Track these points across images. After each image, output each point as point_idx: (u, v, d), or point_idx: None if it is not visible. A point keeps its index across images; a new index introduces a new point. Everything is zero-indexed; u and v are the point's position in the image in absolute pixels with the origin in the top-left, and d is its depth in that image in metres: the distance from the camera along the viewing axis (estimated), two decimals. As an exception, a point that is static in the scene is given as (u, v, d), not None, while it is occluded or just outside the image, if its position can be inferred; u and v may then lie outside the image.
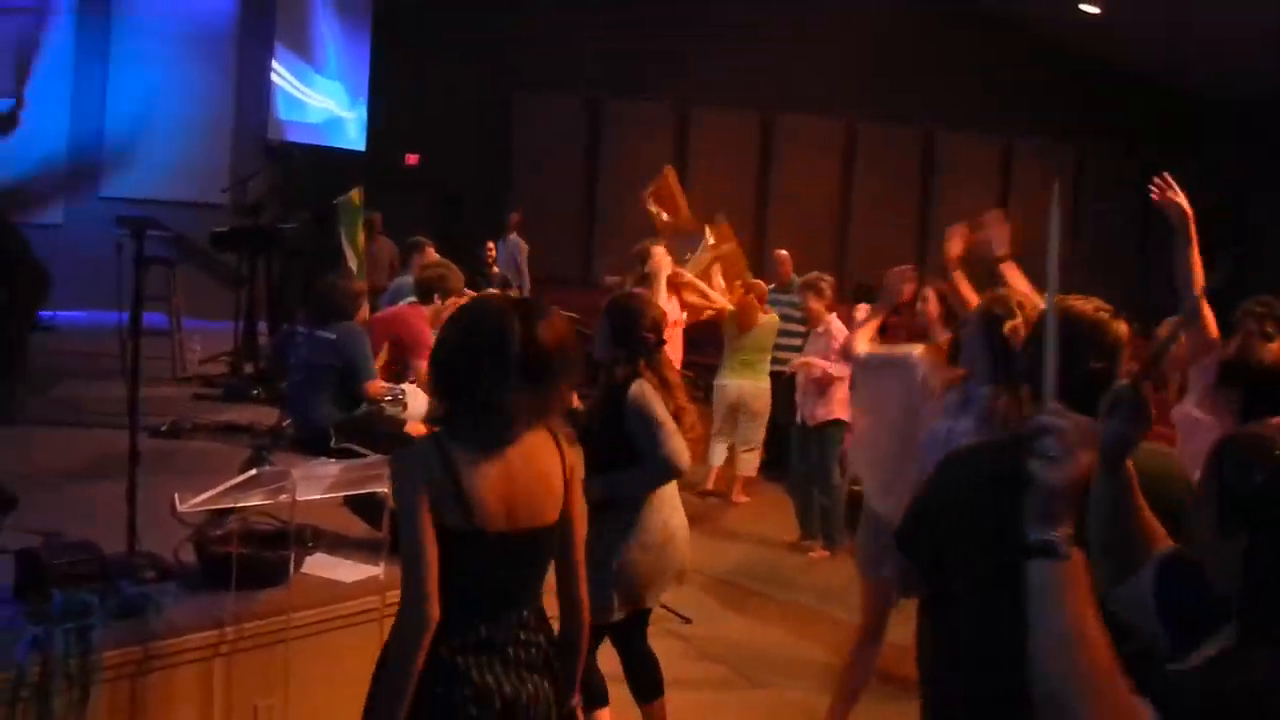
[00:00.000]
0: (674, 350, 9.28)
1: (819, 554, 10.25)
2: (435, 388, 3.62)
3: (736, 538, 10.83)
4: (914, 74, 23.25)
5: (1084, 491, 2.18)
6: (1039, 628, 2.09)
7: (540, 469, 3.55)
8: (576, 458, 3.72)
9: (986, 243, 6.11)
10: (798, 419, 10.54)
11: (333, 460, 5.04)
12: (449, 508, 3.37)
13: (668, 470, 5.43)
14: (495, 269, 16.00)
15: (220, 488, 4.50)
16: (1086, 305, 3.38)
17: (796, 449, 10.67)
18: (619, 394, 5.49)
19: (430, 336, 8.91)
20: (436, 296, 8.96)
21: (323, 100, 18.36)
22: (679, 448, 5.43)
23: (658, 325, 5.74)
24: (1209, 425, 5.07)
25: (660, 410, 5.45)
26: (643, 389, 5.47)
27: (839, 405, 9.97)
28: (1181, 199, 5.25)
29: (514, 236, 17.40)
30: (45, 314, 13.94)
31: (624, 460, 5.44)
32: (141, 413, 8.21)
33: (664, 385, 5.65)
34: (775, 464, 12.14)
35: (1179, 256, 5.20)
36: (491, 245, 16.57)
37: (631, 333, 5.63)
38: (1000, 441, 3.46)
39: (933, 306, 6.85)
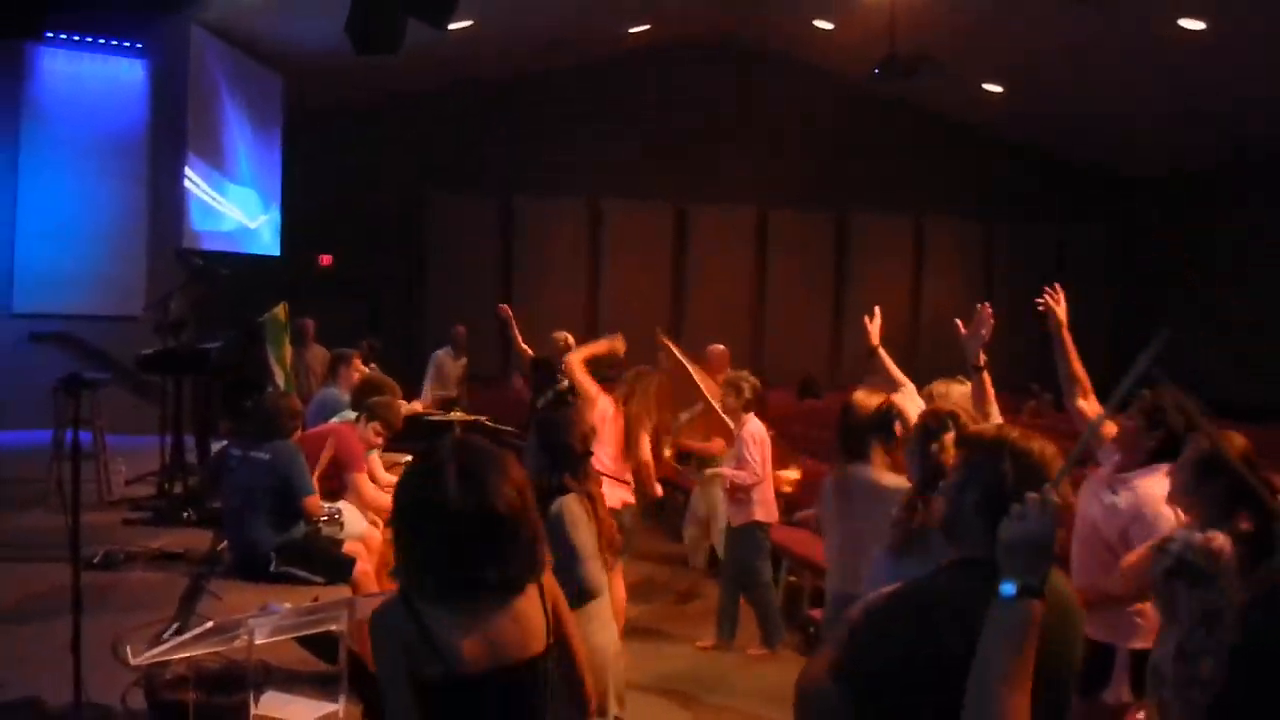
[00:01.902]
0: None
1: (757, 651, 10.13)
2: (397, 555, 3.51)
3: (676, 640, 10.65)
4: (824, 157, 23.56)
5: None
6: (993, 667, 2.65)
7: (518, 605, 3.45)
8: (551, 581, 3.61)
9: (973, 343, 6.08)
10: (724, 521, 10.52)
11: (286, 606, 4.91)
12: (428, 662, 3.26)
13: (581, 595, 5.37)
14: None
15: (175, 640, 4.36)
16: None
17: (724, 550, 10.61)
18: (543, 508, 5.42)
19: (362, 452, 8.83)
20: (363, 417, 8.90)
21: (236, 208, 18.24)
22: (593, 571, 5.39)
23: (585, 437, 5.73)
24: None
25: (580, 532, 5.42)
26: (564, 507, 5.46)
27: (759, 507, 9.90)
28: (1061, 311, 5.76)
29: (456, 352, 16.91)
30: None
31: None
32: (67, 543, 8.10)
33: (590, 499, 5.66)
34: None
35: (1059, 363, 5.78)
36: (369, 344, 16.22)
37: (558, 444, 5.63)
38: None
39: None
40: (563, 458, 5.65)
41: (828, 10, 20.37)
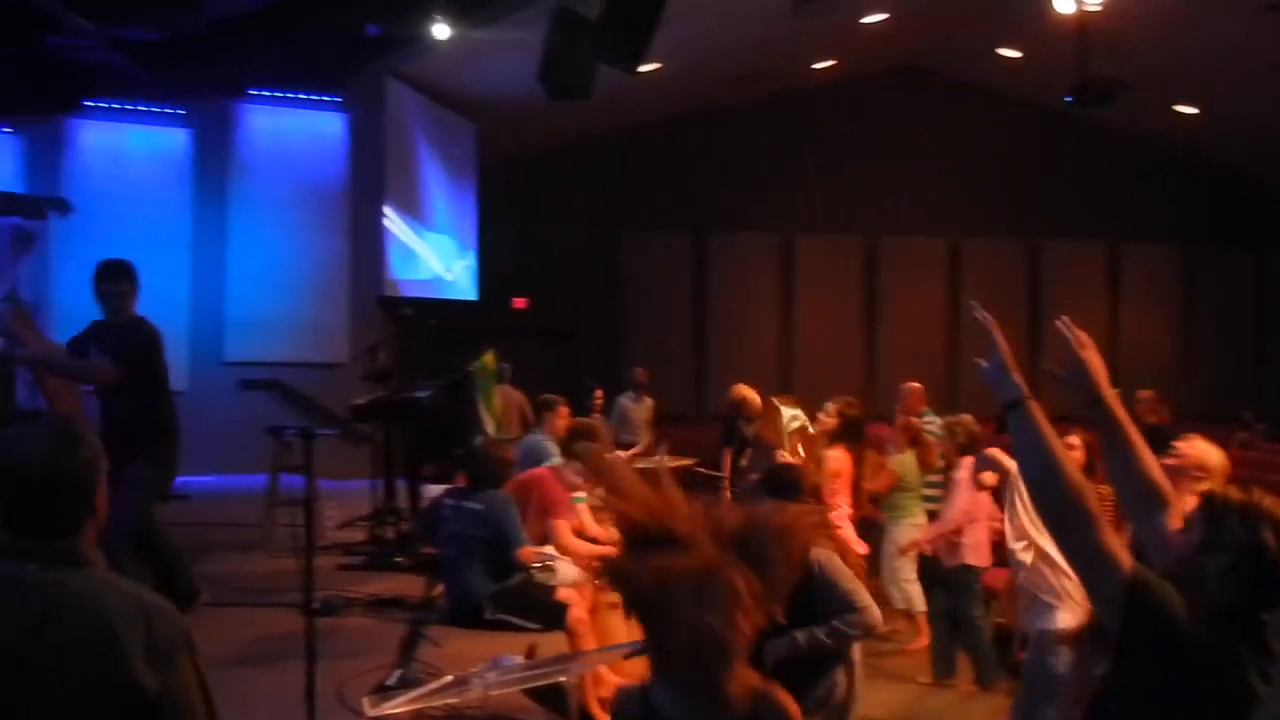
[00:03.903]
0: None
1: (968, 688, 10.00)
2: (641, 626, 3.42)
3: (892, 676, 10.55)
4: (1015, 185, 23.26)
5: None
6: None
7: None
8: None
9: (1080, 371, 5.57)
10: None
11: (518, 659, 4.99)
12: None
13: (871, 627, 5.39)
14: (597, 414, 15.69)
15: (413, 692, 4.46)
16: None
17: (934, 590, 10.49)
18: None
19: (564, 498, 8.91)
20: (577, 470, 8.98)
21: (433, 255, 18.57)
22: (876, 613, 5.41)
23: (817, 490, 5.71)
24: None
25: (846, 570, 5.43)
26: (822, 553, 5.43)
27: (971, 550, 9.76)
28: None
29: (640, 395, 16.97)
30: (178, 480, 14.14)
31: (800, 618, 5.34)
32: (288, 588, 8.32)
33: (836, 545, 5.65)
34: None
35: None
36: (600, 392, 16.38)
37: (792, 496, 5.60)
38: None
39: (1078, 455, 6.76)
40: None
41: (1014, 38, 20.13)
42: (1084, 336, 3.87)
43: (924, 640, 10.59)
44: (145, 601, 2.83)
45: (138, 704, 2.70)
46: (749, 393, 12.26)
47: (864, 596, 5.45)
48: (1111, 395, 3.74)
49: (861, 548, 9.20)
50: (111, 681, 2.69)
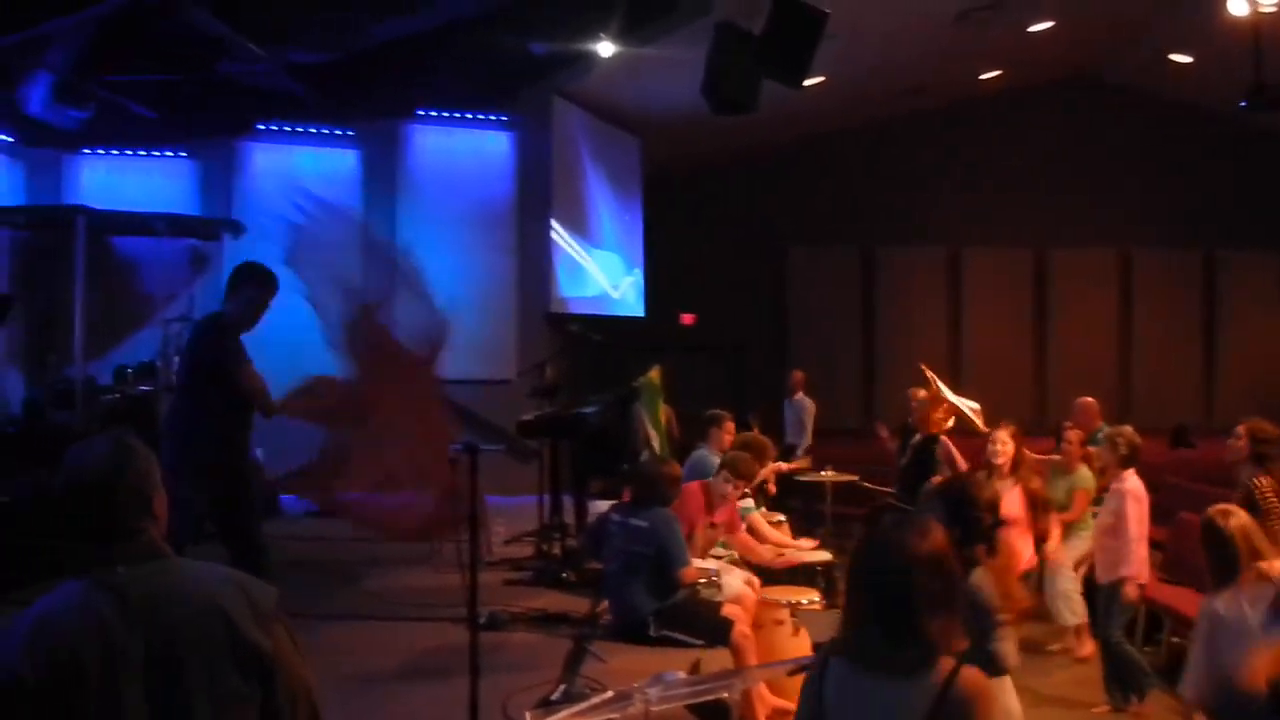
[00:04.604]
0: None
1: (1100, 710, 9.69)
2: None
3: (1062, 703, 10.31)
4: (1188, 193, 22.72)
5: None
6: None
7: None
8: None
9: None
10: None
11: (680, 674, 4.97)
12: None
13: (998, 668, 5.21)
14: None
15: (576, 706, 4.45)
16: None
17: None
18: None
19: (696, 511, 8.89)
20: (725, 476, 8.95)
21: (600, 272, 18.65)
22: (1010, 650, 5.21)
23: (995, 507, 5.55)
24: None
25: (998, 604, 5.26)
26: (983, 580, 5.29)
27: (1130, 566, 9.50)
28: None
29: (800, 396, 17.26)
30: (345, 496, 14.33)
31: None
32: (455, 603, 8.38)
33: (1000, 572, 5.47)
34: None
35: None
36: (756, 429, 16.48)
37: (969, 516, 5.45)
38: None
39: (1243, 444, 6.55)
40: (975, 529, 5.49)
41: (1186, 43, 19.68)
42: None
43: (1090, 648, 10.38)
44: (233, 574, 3.08)
45: (259, 661, 2.91)
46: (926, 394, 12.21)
47: (1004, 634, 5.26)
48: None
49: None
50: (238, 648, 2.88)
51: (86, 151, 16.00)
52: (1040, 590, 11.44)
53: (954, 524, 5.49)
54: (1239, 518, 5.77)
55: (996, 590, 5.35)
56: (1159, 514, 10.63)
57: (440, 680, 7.26)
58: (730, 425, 10.65)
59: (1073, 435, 10.87)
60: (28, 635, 2.82)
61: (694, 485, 9.11)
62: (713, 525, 9.10)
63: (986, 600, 5.25)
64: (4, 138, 15.10)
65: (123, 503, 2.95)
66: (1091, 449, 10.63)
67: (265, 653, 2.90)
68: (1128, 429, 9.62)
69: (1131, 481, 9.33)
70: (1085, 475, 10.67)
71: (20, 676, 2.75)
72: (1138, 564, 9.24)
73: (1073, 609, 11.04)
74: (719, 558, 9.14)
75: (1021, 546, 9.14)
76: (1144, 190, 22.76)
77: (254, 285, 8.11)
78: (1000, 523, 5.55)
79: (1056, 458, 10.96)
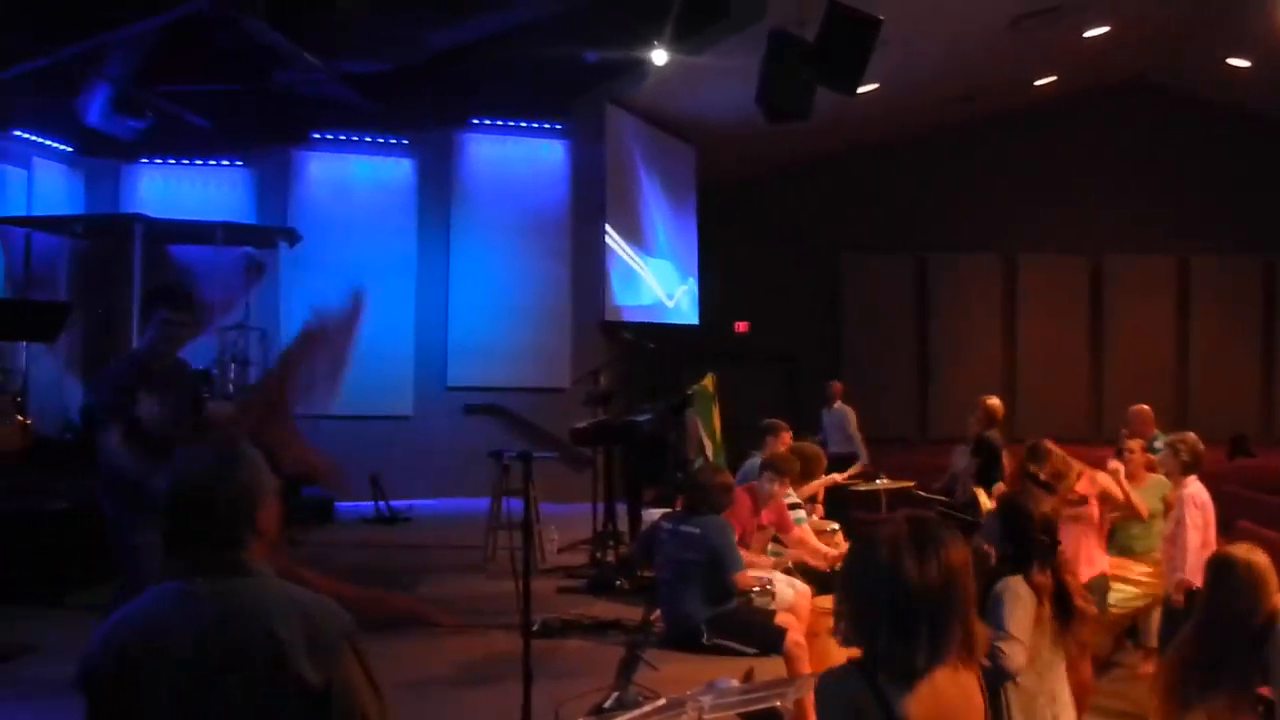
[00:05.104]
0: None
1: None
2: (848, 628, 3.49)
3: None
4: (1247, 199, 22.49)
5: None
6: None
7: (963, 688, 3.40)
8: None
9: None
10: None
11: (733, 682, 4.95)
12: None
13: (1004, 668, 5.15)
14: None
15: (627, 714, 4.45)
16: None
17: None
18: (992, 582, 5.27)
19: (744, 516, 8.89)
20: (768, 475, 8.96)
21: (654, 280, 18.66)
22: (1011, 652, 5.13)
23: (1050, 526, 5.50)
24: None
25: (1017, 615, 5.20)
26: (1009, 587, 5.25)
27: (1196, 576, 9.36)
28: None
29: (838, 405, 17.18)
30: (399, 504, 14.43)
31: None
32: (508, 610, 8.40)
33: (1056, 592, 5.41)
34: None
35: None
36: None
37: (1024, 533, 5.42)
38: None
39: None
40: (1030, 548, 5.44)
41: (1243, 47, 19.53)
42: None
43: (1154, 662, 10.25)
44: (304, 601, 3.00)
45: (306, 697, 2.88)
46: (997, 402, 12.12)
47: (1006, 640, 5.20)
48: None
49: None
50: (278, 678, 2.87)
51: (144, 161, 16.13)
52: (1105, 603, 11.33)
53: (1009, 540, 5.47)
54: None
55: (1031, 601, 5.30)
56: (1217, 523, 10.51)
57: (493, 687, 7.28)
58: (787, 436, 10.61)
59: (1134, 444, 10.73)
60: (111, 628, 2.96)
61: (740, 491, 9.11)
62: (761, 527, 9.11)
63: (1003, 608, 5.21)
64: (63, 148, 15.23)
65: (217, 516, 2.97)
66: (1152, 456, 10.50)
67: (311, 686, 2.88)
68: (1190, 435, 9.51)
69: (1193, 487, 9.24)
70: (1162, 480, 10.47)
71: (99, 665, 2.91)
72: (1191, 571, 9.12)
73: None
74: (774, 558, 9.15)
75: (1098, 558, 9.08)
76: (1200, 196, 22.58)
77: (166, 308, 7.05)
78: (1055, 542, 5.50)
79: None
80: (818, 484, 10.76)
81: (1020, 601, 5.27)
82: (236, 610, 2.91)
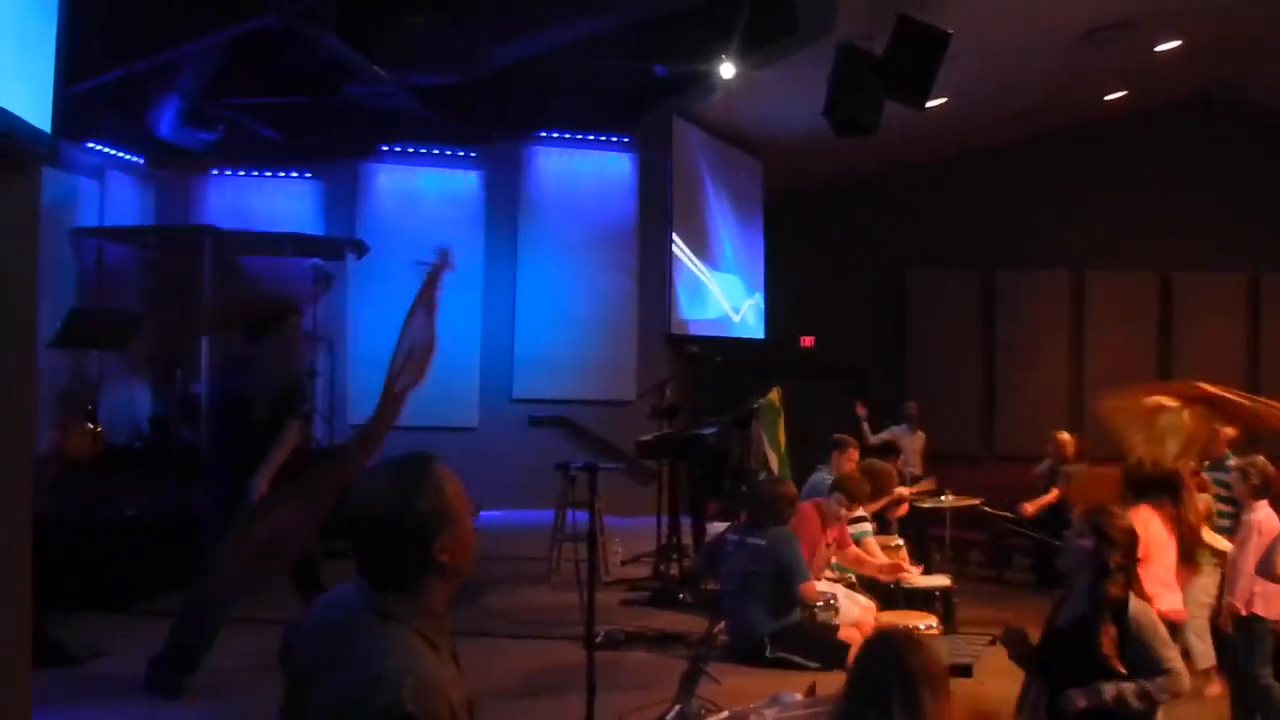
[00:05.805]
0: None
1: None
2: None
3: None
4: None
5: None
6: None
7: None
8: None
9: None
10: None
11: (796, 697, 4.95)
12: None
13: (1178, 693, 5.15)
14: (870, 440, 15.58)
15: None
16: None
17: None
18: (1115, 609, 5.22)
19: (812, 531, 8.87)
20: (839, 498, 8.93)
21: (721, 294, 18.65)
22: (1185, 669, 5.18)
23: (1132, 543, 5.46)
24: None
25: (1164, 632, 5.21)
26: (1145, 610, 5.24)
27: (1260, 600, 9.22)
28: None
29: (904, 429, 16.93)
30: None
31: (1093, 671, 5.15)
32: (572, 622, 8.42)
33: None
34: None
35: None
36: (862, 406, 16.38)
37: (1103, 550, 5.37)
38: None
39: None
40: (1109, 566, 5.40)
41: (1316, 60, 19.35)
42: None
43: (1217, 688, 10.11)
44: (405, 672, 2.58)
45: None
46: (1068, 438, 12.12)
47: (1176, 660, 5.21)
48: None
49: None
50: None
51: (214, 173, 16.30)
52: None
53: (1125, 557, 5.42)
54: None
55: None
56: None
57: (557, 698, 7.30)
58: (854, 452, 10.58)
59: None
60: (300, 617, 2.91)
61: (808, 506, 9.09)
62: (827, 545, 9.10)
63: (1156, 632, 5.19)
64: (135, 160, 15.39)
65: (391, 548, 2.72)
66: (1206, 477, 10.35)
67: None
68: (1260, 459, 9.36)
69: (1262, 513, 9.09)
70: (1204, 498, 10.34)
71: (285, 649, 2.86)
72: (1241, 594, 8.97)
73: (1201, 648, 10.79)
74: (834, 575, 9.13)
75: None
76: (1271, 212, 22.30)
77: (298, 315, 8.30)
78: (1136, 560, 5.45)
79: None
80: (885, 501, 10.73)
81: (1160, 624, 5.29)
82: (350, 656, 2.63)
